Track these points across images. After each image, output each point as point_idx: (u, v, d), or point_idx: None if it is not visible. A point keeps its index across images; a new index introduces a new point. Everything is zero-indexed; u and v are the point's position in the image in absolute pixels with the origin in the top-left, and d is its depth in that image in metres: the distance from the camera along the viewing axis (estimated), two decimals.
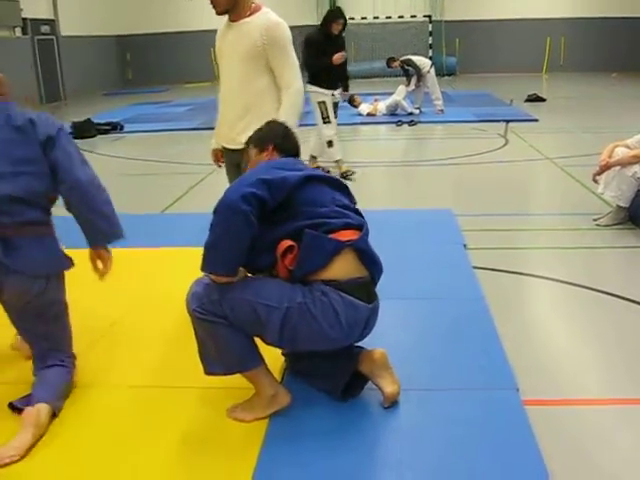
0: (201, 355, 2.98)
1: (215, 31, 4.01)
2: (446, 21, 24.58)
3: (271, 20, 3.73)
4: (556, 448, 2.79)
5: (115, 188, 7.53)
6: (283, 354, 3.35)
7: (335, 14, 8.07)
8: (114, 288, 4.52)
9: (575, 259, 5.22)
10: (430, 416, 2.99)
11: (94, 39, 22.86)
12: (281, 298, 2.77)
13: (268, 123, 3.35)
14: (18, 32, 18.70)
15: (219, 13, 3.79)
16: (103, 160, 9.95)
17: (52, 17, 20.59)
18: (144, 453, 2.79)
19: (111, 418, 3.06)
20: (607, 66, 23.16)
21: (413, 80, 13.09)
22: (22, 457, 2.73)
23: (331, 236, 2.83)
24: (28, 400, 2.98)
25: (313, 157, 8.53)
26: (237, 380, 3.00)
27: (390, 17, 24.04)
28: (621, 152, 5.74)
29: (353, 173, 8.17)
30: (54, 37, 20.62)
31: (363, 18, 23.11)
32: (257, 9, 3.78)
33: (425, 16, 23.87)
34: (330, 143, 8.18)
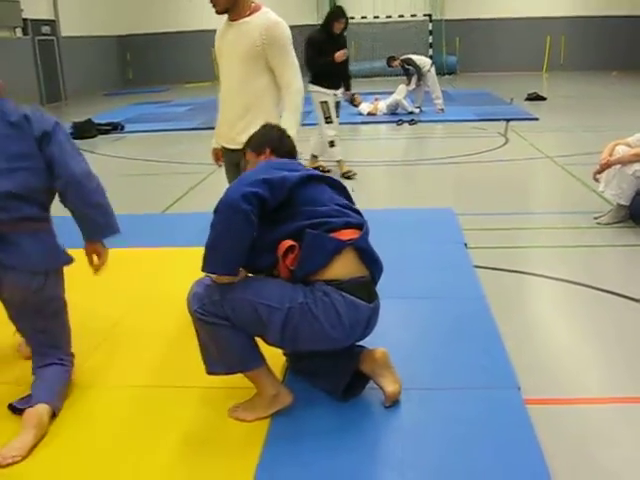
0: (203, 355, 2.98)
1: (215, 31, 4.01)
2: (446, 20, 24.57)
3: (271, 20, 3.73)
4: (557, 447, 2.79)
5: (116, 188, 7.53)
6: (284, 354, 3.35)
7: (337, 13, 8.08)
8: (115, 289, 4.54)
9: (576, 258, 5.22)
10: (431, 415, 2.99)
11: (94, 39, 22.85)
12: (282, 298, 2.77)
13: (263, 127, 3.36)
14: (19, 32, 18.70)
15: (219, 12, 3.79)
16: (104, 160, 9.96)
17: (52, 17, 20.58)
18: (145, 453, 2.79)
19: (112, 418, 3.06)
20: (607, 65, 23.15)
21: (413, 79, 13.09)
22: (24, 458, 2.74)
23: (332, 235, 2.83)
24: (28, 401, 2.98)
25: (314, 156, 8.53)
26: (238, 380, 3.01)
27: (390, 16, 24.02)
28: (622, 150, 5.74)
29: (354, 174, 8.16)
30: (55, 37, 20.61)
31: (363, 17, 23.09)
32: (257, 9, 3.78)
33: (425, 15, 23.84)
34: (332, 143, 8.19)
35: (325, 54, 7.85)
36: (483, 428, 2.86)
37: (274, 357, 3.16)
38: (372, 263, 2.97)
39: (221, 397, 3.15)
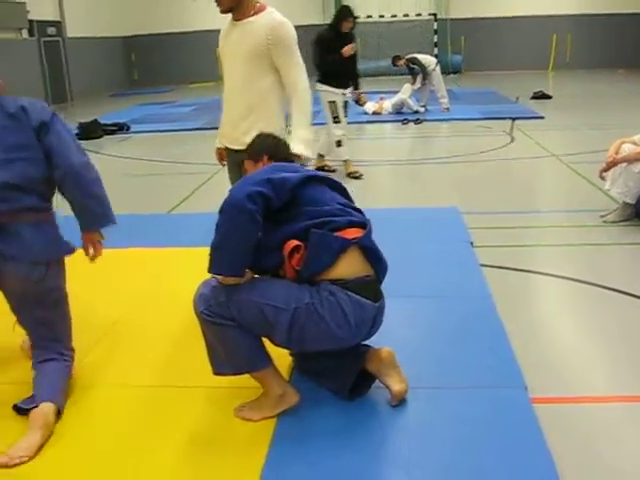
0: (209, 356, 2.99)
1: (219, 31, 4.00)
2: (451, 19, 24.55)
3: (276, 20, 3.72)
4: (564, 446, 2.79)
5: (121, 188, 7.53)
6: (290, 354, 3.35)
7: (346, 12, 8.09)
8: (120, 288, 4.56)
9: (582, 256, 5.21)
10: (438, 415, 2.99)
11: (100, 40, 22.89)
12: (288, 299, 2.78)
13: (258, 136, 3.40)
14: (25, 34, 18.75)
15: (223, 11, 3.78)
16: (110, 161, 9.99)
17: (58, 19, 20.63)
18: (151, 453, 2.79)
19: (118, 418, 3.07)
20: (613, 63, 23.10)
21: (419, 78, 13.08)
22: (31, 458, 2.75)
23: (337, 234, 2.84)
24: (32, 400, 2.99)
25: (320, 155, 8.53)
26: (245, 380, 3.01)
27: (395, 15, 23.99)
28: (628, 148, 5.73)
29: (361, 175, 8.16)
30: (60, 38, 20.66)
31: (369, 16, 23.06)
32: (262, 8, 3.76)
33: (430, 14, 23.82)
34: (339, 143, 8.19)
35: (333, 52, 7.85)
36: (490, 427, 2.86)
37: (281, 357, 3.16)
38: (377, 262, 2.97)
39: (227, 397, 3.15)
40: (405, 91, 13.27)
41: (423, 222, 5.87)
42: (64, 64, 20.79)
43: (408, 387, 3.05)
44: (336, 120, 8.14)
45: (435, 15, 23.80)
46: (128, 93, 22.91)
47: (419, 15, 23.84)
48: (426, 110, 13.40)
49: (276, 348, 3.00)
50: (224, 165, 4.21)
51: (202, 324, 2.91)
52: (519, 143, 10.03)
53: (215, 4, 3.72)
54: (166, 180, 8.75)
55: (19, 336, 3.40)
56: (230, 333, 2.83)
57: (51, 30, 20.13)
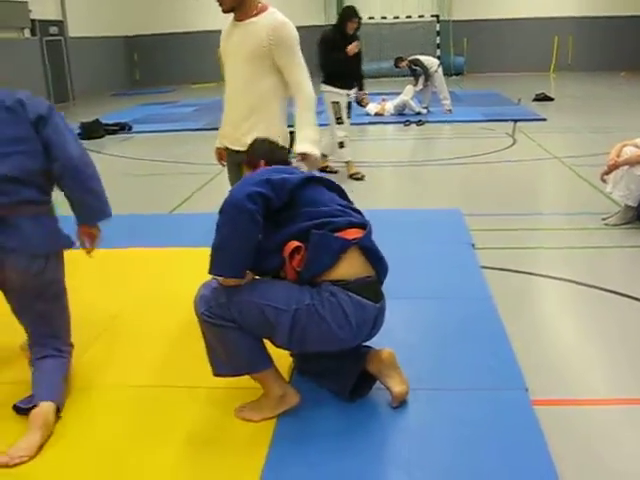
0: (209, 357, 2.99)
1: (221, 32, 4.00)
2: (454, 21, 24.53)
3: (278, 20, 3.71)
4: (565, 448, 2.79)
5: (123, 188, 7.53)
6: (291, 354, 3.35)
7: (350, 13, 8.07)
8: (121, 287, 4.56)
9: (583, 259, 5.21)
10: (439, 416, 2.99)
11: (102, 40, 22.90)
12: (289, 300, 2.77)
13: (254, 141, 3.41)
14: (27, 33, 18.76)
15: (225, 11, 3.77)
16: (111, 160, 9.99)
17: (60, 18, 20.64)
18: (151, 453, 2.79)
19: (118, 418, 3.06)
20: (615, 65, 23.07)
21: (421, 80, 13.08)
22: (31, 458, 2.75)
23: (337, 235, 2.83)
24: (31, 400, 2.99)
25: (323, 155, 8.52)
26: (245, 380, 3.01)
27: (398, 17, 23.99)
28: (629, 151, 5.73)
29: (363, 176, 8.15)
30: (62, 38, 20.66)
31: (371, 18, 23.03)
32: (264, 9, 3.75)
33: (433, 16, 23.81)
34: (341, 144, 8.18)
35: (338, 51, 7.84)
36: (490, 429, 2.85)
37: (281, 358, 3.15)
38: (377, 262, 2.97)
39: (227, 397, 3.15)
40: (407, 92, 13.27)
41: (425, 223, 5.87)
42: (66, 64, 20.80)
43: (409, 388, 3.04)
44: (339, 121, 8.13)
45: (438, 17, 23.79)
46: (130, 93, 22.91)
47: (421, 16, 23.85)
48: (428, 112, 13.40)
49: (276, 349, 2.99)
50: (224, 165, 4.21)
51: (202, 325, 2.90)
52: (521, 145, 10.03)
53: (217, 4, 3.71)
54: (168, 180, 8.75)
55: (19, 336, 3.40)
56: (231, 335, 2.83)
57: (53, 30, 20.14)
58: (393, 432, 2.92)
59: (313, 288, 2.81)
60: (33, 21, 18.73)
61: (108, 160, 9.86)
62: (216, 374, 3.01)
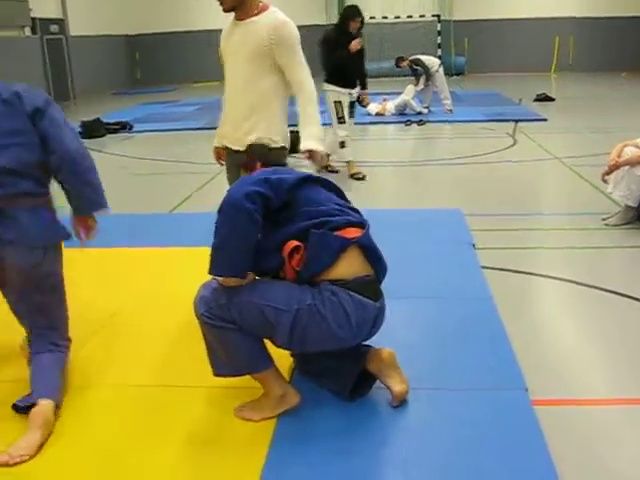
0: (210, 357, 2.99)
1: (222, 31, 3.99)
2: (455, 21, 24.53)
3: (279, 19, 3.69)
4: (565, 448, 2.79)
5: (124, 187, 7.52)
6: (291, 354, 3.35)
7: (353, 12, 8.05)
8: (121, 286, 4.56)
9: (583, 259, 5.21)
10: (438, 416, 2.99)
11: (103, 39, 22.90)
12: (290, 300, 2.77)
13: (250, 146, 3.47)
14: (27, 32, 18.77)
15: (226, 10, 3.76)
16: (112, 159, 9.99)
17: (61, 17, 20.65)
18: (151, 453, 2.79)
19: (118, 418, 3.06)
20: (616, 66, 23.07)
21: (422, 80, 13.08)
22: (32, 457, 2.75)
23: (336, 234, 2.83)
24: (29, 397, 2.99)
25: (327, 155, 8.51)
26: (245, 380, 3.01)
27: (399, 17, 23.99)
28: (630, 151, 5.73)
29: (364, 176, 8.14)
30: (63, 37, 20.67)
31: (372, 17, 22.98)
32: (264, 8, 3.74)
33: (434, 16, 23.81)
34: (342, 144, 8.15)
35: (341, 48, 7.82)
36: (490, 429, 2.85)
37: (281, 357, 3.15)
38: (376, 261, 2.97)
39: (227, 397, 3.15)
40: (408, 92, 13.26)
41: (426, 223, 5.87)
42: (67, 62, 20.81)
43: (409, 388, 3.05)
44: (341, 121, 8.11)
45: (439, 16, 23.80)
46: (131, 92, 22.92)
47: (422, 16, 23.85)
48: (429, 111, 13.40)
49: (277, 349, 2.99)
50: (222, 164, 4.20)
51: (202, 326, 2.90)
52: (522, 145, 10.03)
53: (218, 3, 3.71)
54: (168, 179, 8.75)
55: (18, 335, 3.41)
56: (231, 336, 2.82)
57: (54, 28, 20.15)
58: (393, 431, 2.92)
59: (313, 288, 2.81)
60: (34, 19, 18.74)
61: (109, 159, 9.86)
62: (216, 374, 3.01)
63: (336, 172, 8.30)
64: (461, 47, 24.60)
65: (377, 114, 13.33)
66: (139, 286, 4.60)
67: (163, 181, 8.67)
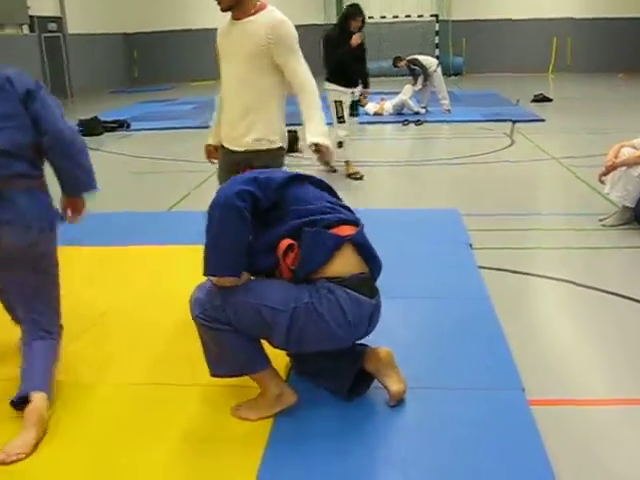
0: (206, 357, 2.99)
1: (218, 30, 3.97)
2: (453, 21, 24.55)
3: (276, 18, 3.67)
4: (562, 448, 2.79)
5: (122, 186, 7.51)
6: (288, 354, 3.34)
7: (354, 11, 8.02)
8: (119, 284, 4.56)
9: (580, 259, 5.21)
10: (435, 415, 2.99)
11: (101, 37, 22.89)
12: (287, 299, 2.77)
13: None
14: (25, 30, 18.76)
15: (223, 9, 3.74)
16: (110, 158, 9.98)
17: (59, 15, 20.63)
18: (146, 451, 2.79)
19: (113, 416, 3.06)
20: (613, 67, 23.10)
21: (420, 79, 13.09)
22: (28, 455, 2.75)
23: (330, 231, 2.83)
24: (22, 390, 2.98)
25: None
26: (241, 379, 3.01)
27: (397, 16, 23.99)
28: (627, 152, 5.74)
29: (362, 176, 8.13)
30: (61, 35, 20.66)
31: (370, 17, 22.84)
32: (262, 7, 3.71)
33: (432, 16, 23.81)
34: (340, 144, 8.11)
35: (343, 45, 7.81)
36: (487, 429, 2.86)
37: (278, 357, 3.15)
38: (371, 259, 2.97)
39: (223, 396, 3.15)
40: (406, 92, 13.27)
41: (423, 223, 5.87)
42: (65, 60, 20.80)
43: (407, 387, 3.05)
44: (341, 120, 8.09)
45: (437, 16, 23.80)
46: (129, 90, 22.89)
47: (421, 16, 23.85)
48: (427, 111, 13.41)
49: (274, 348, 2.99)
50: (213, 163, 4.18)
51: (198, 328, 2.90)
52: (519, 146, 10.04)
53: (215, 2, 3.69)
54: (166, 178, 8.75)
55: (15, 333, 3.40)
56: (226, 337, 2.82)
57: (52, 26, 20.14)
58: (390, 431, 2.91)
59: (310, 286, 2.80)
60: (32, 17, 18.74)
61: (107, 157, 9.85)
62: (213, 374, 3.00)
63: (334, 172, 8.29)
64: (459, 47, 24.63)
65: (375, 114, 13.34)
66: (136, 284, 4.59)
67: (161, 179, 8.66)
